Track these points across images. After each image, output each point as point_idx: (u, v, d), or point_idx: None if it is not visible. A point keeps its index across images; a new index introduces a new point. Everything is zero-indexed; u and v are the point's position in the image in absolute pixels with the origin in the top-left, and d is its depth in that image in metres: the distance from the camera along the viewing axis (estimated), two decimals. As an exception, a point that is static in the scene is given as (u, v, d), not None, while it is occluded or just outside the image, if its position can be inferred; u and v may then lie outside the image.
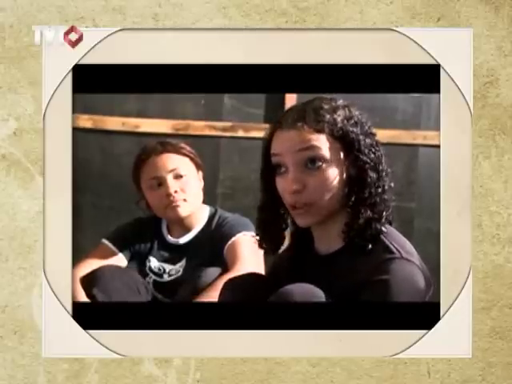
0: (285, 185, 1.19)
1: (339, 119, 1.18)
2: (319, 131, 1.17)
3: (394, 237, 1.18)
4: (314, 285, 1.16)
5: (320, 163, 1.17)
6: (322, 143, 1.17)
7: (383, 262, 1.13)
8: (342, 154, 1.18)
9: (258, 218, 1.29)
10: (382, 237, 1.17)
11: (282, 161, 1.19)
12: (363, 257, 1.16)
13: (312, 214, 1.18)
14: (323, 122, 1.17)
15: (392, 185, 1.21)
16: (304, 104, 1.21)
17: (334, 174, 1.17)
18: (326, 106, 1.19)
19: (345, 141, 1.17)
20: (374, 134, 1.21)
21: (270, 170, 1.22)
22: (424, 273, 1.15)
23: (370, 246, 1.16)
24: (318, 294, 1.16)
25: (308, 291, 1.16)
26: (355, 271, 1.15)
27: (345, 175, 1.18)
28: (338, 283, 1.17)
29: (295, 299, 1.15)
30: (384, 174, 1.19)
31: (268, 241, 1.28)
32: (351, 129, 1.18)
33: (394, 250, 1.14)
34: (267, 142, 1.23)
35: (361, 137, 1.18)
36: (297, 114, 1.19)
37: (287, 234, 1.29)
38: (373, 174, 1.17)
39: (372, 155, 1.18)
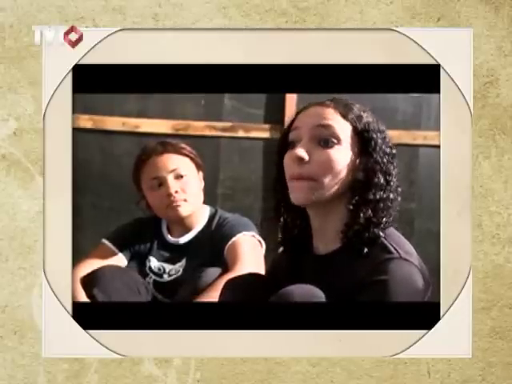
0: (292, 155, 1.19)
1: (365, 118, 1.20)
2: (344, 116, 1.19)
3: (393, 237, 1.18)
4: (313, 285, 1.16)
5: (332, 144, 1.17)
6: (342, 127, 1.18)
7: (382, 262, 1.13)
8: (356, 148, 1.19)
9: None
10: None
11: (297, 135, 1.20)
12: (361, 257, 1.15)
13: (308, 191, 1.17)
14: (350, 111, 1.20)
15: (399, 199, 1.21)
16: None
17: (343, 159, 1.18)
18: (356, 105, 1.22)
19: (363, 137, 1.19)
20: (392, 148, 1.21)
21: (285, 147, 1.23)
22: (423, 273, 1.15)
23: (365, 249, 1.15)
24: (318, 295, 1.16)
25: (308, 292, 1.16)
26: (353, 271, 1.15)
27: (354, 171, 1.18)
28: (337, 283, 1.16)
29: (296, 300, 1.15)
30: (392, 183, 1.19)
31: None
32: (373, 129, 1.19)
33: (393, 250, 1.14)
34: (290, 121, 1.25)
35: (380, 140, 1.19)
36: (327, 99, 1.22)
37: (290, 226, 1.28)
38: (381, 177, 1.17)
39: (385, 160, 1.18)
